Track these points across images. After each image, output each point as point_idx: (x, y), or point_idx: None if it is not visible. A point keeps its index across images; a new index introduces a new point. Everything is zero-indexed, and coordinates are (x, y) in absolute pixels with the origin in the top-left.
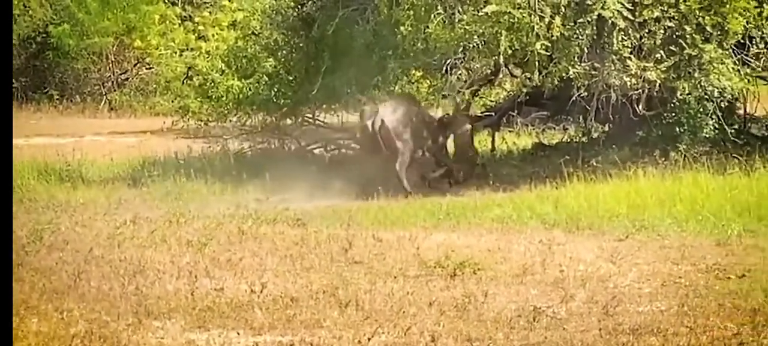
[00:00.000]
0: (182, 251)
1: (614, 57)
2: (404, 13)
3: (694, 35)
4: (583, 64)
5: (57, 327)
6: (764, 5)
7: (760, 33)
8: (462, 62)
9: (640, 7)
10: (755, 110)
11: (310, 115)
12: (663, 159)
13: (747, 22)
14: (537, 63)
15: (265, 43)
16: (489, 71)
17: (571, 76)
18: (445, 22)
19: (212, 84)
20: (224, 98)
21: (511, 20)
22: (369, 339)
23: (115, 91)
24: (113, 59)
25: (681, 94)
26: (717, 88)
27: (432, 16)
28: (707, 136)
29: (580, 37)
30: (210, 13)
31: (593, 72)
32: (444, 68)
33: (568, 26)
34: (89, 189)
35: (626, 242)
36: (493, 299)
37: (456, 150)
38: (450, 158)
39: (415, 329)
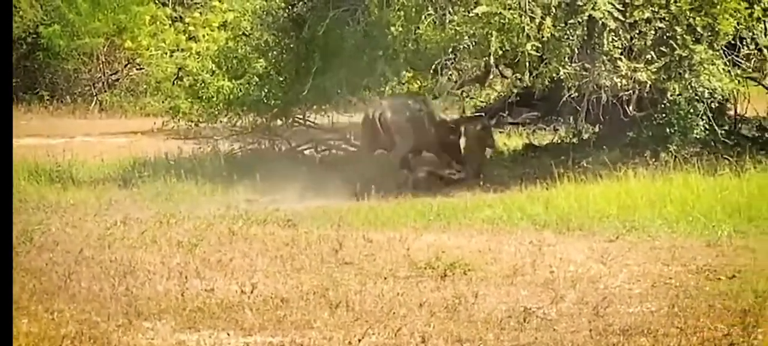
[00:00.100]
0: (173, 252)
1: (605, 58)
2: (395, 14)
3: (684, 36)
4: (573, 65)
5: (47, 328)
6: (755, 6)
7: (750, 34)
8: (452, 63)
9: (631, 8)
10: (746, 111)
11: (301, 116)
12: (653, 160)
13: (737, 23)
14: (527, 64)
15: (255, 44)
16: (479, 72)
17: (562, 77)
18: (435, 22)
19: (203, 85)
20: (215, 99)
21: (501, 21)
22: (359, 340)
23: (105, 91)
24: (104, 60)
25: (671, 95)
26: (707, 89)
27: (422, 16)
28: (698, 137)
29: (571, 37)
30: (200, 13)
31: (584, 73)
32: (434, 69)
33: (558, 27)
34: (80, 190)
35: (616, 242)
36: (484, 300)
37: (466, 150)
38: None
39: (406, 330)
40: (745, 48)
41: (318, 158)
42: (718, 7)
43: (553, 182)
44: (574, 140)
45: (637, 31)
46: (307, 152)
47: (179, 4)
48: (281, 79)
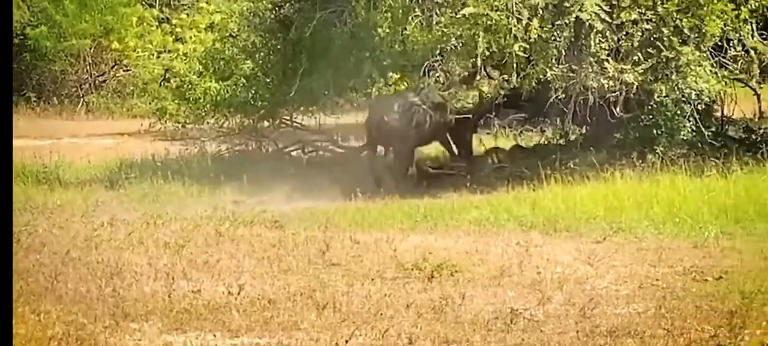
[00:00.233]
0: (159, 253)
1: (592, 59)
2: (382, 16)
3: (671, 38)
4: (560, 67)
5: (34, 329)
6: (741, 8)
7: (737, 35)
8: (440, 64)
9: (618, 10)
10: (732, 113)
11: (288, 118)
12: (640, 161)
13: (724, 25)
14: (514, 65)
15: (242, 46)
16: (466, 73)
17: (549, 79)
18: (422, 24)
19: (190, 86)
20: (202, 100)
21: (488, 22)
22: (346, 341)
23: (92, 93)
24: (91, 61)
25: (658, 97)
26: (694, 90)
27: (409, 18)
28: (684, 138)
29: (558, 39)
30: (187, 15)
31: (571, 74)
32: (421, 70)
33: (545, 28)
34: (66, 191)
35: (603, 244)
36: (471, 301)
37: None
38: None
39: (393, 331)
40: (732, 49)
41: (305, 160)
42: (705, 8)
43: (540, 183)
44: (561, 142)
45: (624, 33)
46: (294, 154)
47: (166, 5)
48: (268, 80)
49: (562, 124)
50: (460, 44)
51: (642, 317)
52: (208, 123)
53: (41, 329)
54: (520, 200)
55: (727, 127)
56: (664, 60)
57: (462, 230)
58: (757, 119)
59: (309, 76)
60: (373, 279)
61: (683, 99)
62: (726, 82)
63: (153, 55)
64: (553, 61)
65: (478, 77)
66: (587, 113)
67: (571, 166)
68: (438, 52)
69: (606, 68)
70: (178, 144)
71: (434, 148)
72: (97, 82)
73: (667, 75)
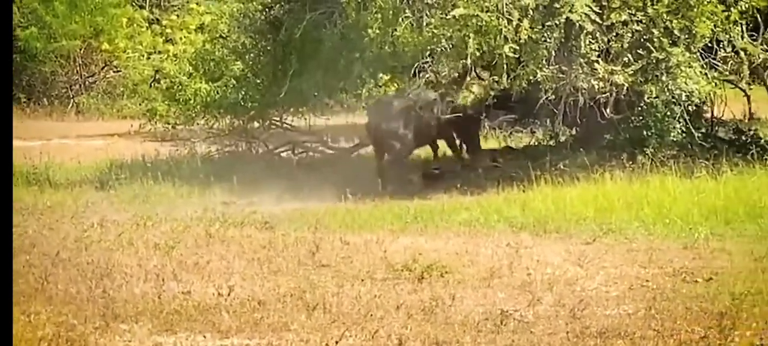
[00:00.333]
0: (149, 254)
1: (582, 60)
2: (372, 17)
3: (661, 39)
4: (550, 68)
5: (24, 330)
6: (731, 9)
7: (727, 37)
8: (429, 65)
9: (608, 11)
10: (722, 114)
11: (278, 119)
12: (630, 163)
13: (714, 26)
14: (505, 66)
15: (232, 47)
16: (457, 74)
17: (539, 80)
18: (412, 25)
19: (180, 87)
20: (192, 101)
21: (479, 23)
22: (336, 342)
23: (82, 94)
24: (81, 62)
25: (648, 98)
26: (684, 91)
27: (400, 19)
28: (675, 139)
29: (548, 40)
30: (177, 16)
31: (561, 75)
32: (411, 71)
33: (536, 29)
34: (56, 192)
35: (593, 245)
36: (461, 303)
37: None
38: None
39: (383, 332)
40: (722, 51)
41: (295, 161)
42: (695, 10)
43: (530, 184)
44: (551, 143)
45: (614, 34)
46: (284, 155)
47: (156, 6)
48: (258, 81)
49: (552, 126)
50: (451, 46)
51: (632, 318)
52: (198, 124)
53: (31, 331)
54: (510, 202)
55: (717, 128)
56: (654, 61)
57: (452, 231)
58: (746, 120)
59: (299, 77)
60: (363, 280)
61: (673, 100)
62: (716, 84)
63: (143, 56)
64: (544, 62)
65: (468, 78)
66: (577, 114)
67: (562, 167)
68: (428, 53)
69: (596, 69)
70: (169, 145)
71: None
72: (87, 83)
73: (657, 76)
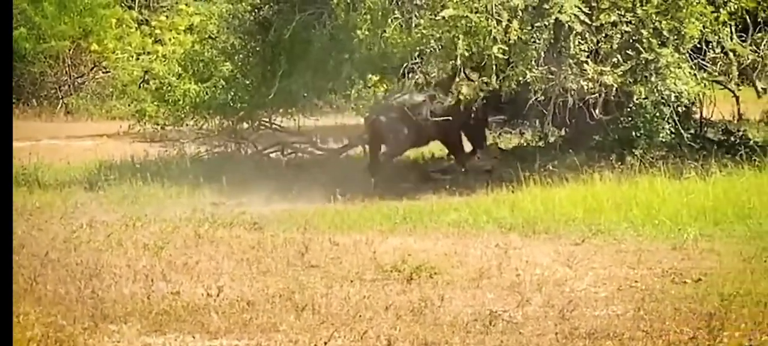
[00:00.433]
0: (138, 255)
1: (571, 61)
2: (361, 18)
3: (650, 39)
4: (540, 68)
5: (13, 331)
6: (720, 10)
7: (716, 37)
8: (419, 66)
9: (597, 12)
10: (711, 115)
11: (267, 119)
12: (619, 163)
13: (703, 27)
14: (494, 67)
15: (221, 47)
16: (446, 75)
17: (529, 80)
18: (402, 26)
19: (169, 88)
20: (181, 102)
21: (468, 24)
22: (325, 343)
23: (71, 95)
24: (70, 63)
25: (637, 99)
26: (673, 92)
27: (389, 20)
28: (664, 140)
29: (538, 41)
30: (167, 17)
31: (550, 76)
32: (401, 72)
33: (525, 30)
34: (45, 193)
35: (582, 246)
36: (450, 303)
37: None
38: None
39: (372, 332)
40: (711, 52)
41: (284, 161)
42: (684, 10)
43: (519, 185)
44: (541, 144)
45: (604, 35)
46: (273, 155)
47: (145, 7)
48: (247, 82)
49: (541, 126)
50: (440, 46)
51: (621, 318)
52: (187, 125)
53: (20, 331)
54: (499, 202)
55: (706, 129)
56: (643, 62)
57: (441, 231)
58: (735, 121)
59: (288, 78)
60: (352, 281)
61: (662, 101)
62: (705, 84)
63: (132, 56)
64: (533, 63)
65: (457, 79)
66: (567, 115)
67: (551, 168)
68: (417, 54)
69: (585, 70)
70: (158, 146)
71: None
72: (76, 83)
73: (646, 77)
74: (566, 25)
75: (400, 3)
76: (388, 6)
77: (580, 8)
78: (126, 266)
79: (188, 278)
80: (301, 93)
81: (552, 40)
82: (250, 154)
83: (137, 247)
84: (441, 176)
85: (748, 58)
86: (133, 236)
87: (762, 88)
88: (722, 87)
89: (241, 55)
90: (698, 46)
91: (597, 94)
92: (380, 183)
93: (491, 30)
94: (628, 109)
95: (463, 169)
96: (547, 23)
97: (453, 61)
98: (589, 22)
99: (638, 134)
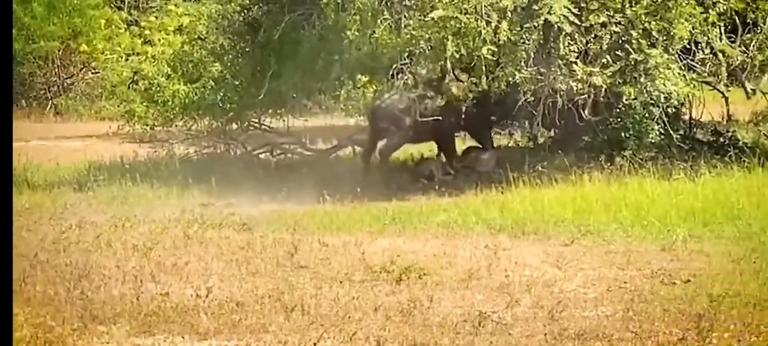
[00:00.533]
0: (128, 256)
1: (560, 62)
2: (351, 18)
3: (640, 40)
4: (529, 69)
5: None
6: (709, 11)
7: (705, 38)
8: (408, 67)
9: (587, 12)
10: (701, 116)
11: (256, 120)
12: (609, 164)
13: (693, 28)
14: (484, 68)
15: (211, 48)
16: (435, 76)
17: (518, 81)
18: (391, 27)
19: (158, 89)
20: (170, 103)
21: (457, 25)
22: (315, 344)
23: (60, 95)
24: (59, 64)
25: (627, 100)
26: (663, 93)
27: (378, 21)
28: (653, 141)
29: (527, 42)
30: (156, 17)
31: (539, 77)
32: (390, 73)
33: (514, 31)
34: (34, 194)
35: (572, 246)
36: (439, 304)
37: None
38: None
39: (361, 333)
40: (701, 52)
41: (273, 162)
42: (674, 11)
43: (509, 186)
44: (530, 145)
45: (593, 36)
46: (262, 156)
47: (135, 7)
48: (237, 83)
49: (530, 127)
50: (429, 47)
51: (610, 320)
52: (176, 125)
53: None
54: (488, 203)
55: (695, 130)
56: (632, 63)
57: (430, 232)
58: (725, 122)
59: (277, 78)
60: (341, 282)
61: (651, 102)
62: (694, 85)
63: (121, 57)
64: (522, 63)
65: (446, 80)
66: (556, 116)
67: (540, 169)
68: (407, 55)
69: (575, 71)
70: (147, 146)
71: (404, 153)
72: (65, 84)
73: (635, 78)
74: (555, 26)
75: (389, 4)
76: (377, 7)
77: (569, 9)
78: (115, 267)
79: (177, 279)
80: (290, 94)
81: (541, 41)
82: (239, 154)
83: (126, 248)
84: (425, 182)
85: (738, 59)
86: (123, 237)
87: (751, 89)
88: (711, 88)
89: (230, 56)
90: (687, 47)
91: (586, 95)
92: (374, 179)
93: (480, 31)
94: (618, 110)
95: (452, 173)
96: (536, 24)
97: (442, 62)
98: (579, 23)
99: (627, 135)
